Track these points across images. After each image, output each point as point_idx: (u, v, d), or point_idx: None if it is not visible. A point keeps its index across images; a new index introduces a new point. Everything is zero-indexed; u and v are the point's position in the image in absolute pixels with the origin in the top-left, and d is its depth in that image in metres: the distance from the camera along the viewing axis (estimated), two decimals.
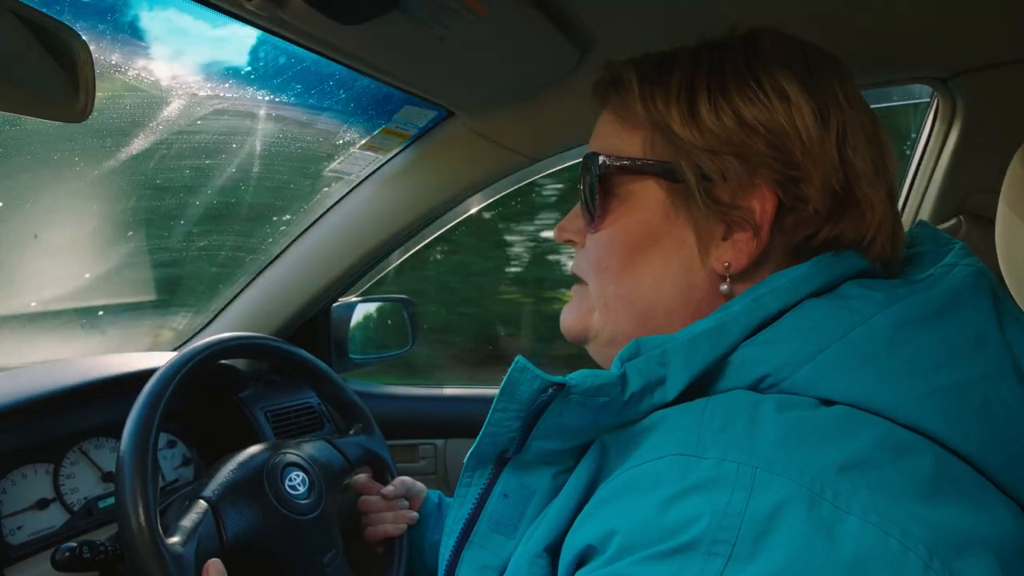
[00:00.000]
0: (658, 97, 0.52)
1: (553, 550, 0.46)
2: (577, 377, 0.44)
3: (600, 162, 0.55)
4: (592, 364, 0.60)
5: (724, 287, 0.51)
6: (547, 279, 3.30)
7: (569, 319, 0.61)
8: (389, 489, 1.01)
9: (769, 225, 0.49)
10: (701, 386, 0.46)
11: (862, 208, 0.49)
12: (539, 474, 0.50)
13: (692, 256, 0.52)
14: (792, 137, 0.48)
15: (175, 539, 0.71)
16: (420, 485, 1.05)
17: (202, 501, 0.79)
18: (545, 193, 3.11)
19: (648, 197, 0.53)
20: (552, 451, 0.49)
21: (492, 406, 0.46)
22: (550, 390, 0.44)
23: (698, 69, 0.52)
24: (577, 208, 0.60)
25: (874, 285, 0.47)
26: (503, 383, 0.45)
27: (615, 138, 0.56)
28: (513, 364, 0.45)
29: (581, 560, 0.41)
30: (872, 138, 0.51)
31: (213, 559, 0.73)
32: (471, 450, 0.50)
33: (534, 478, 0.50)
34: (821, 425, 0.40)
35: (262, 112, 1.11)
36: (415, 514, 1.01)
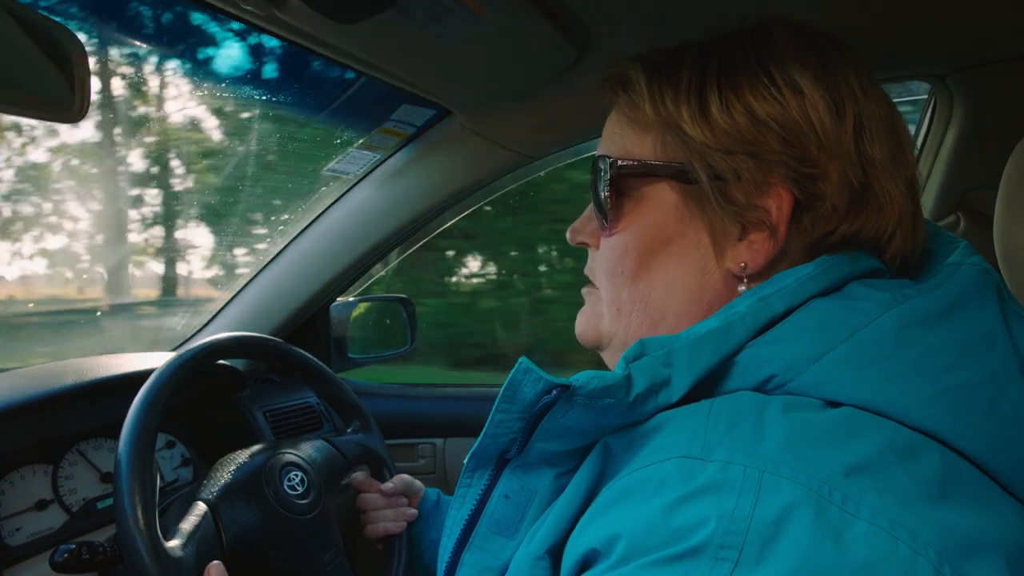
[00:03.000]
0: (667, 96, 0.51)
1: (555, 552, 0.45)
2: (582, 379, 0.44)
3: (611, 165, 0.54)
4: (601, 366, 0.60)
5: (742, 288, 0.50)
6: None
7: (582, 325, 0.60)
8: (388, 486, 1.01)
9: (786, 224, 0.48)
10: (706, 387, 0.46)
11: (881, 202, 0.49)
12: (541, 475, 0.50)
13: (707, 258, 0.51)
14: (807, 132, 0.47)
15: (174, 542, 0.71)
16: (419, 483, 1.05)
17: (201, 503, 0.79)
18: None
19: (661, 199, 0.53)
20: (554, 452, 0.49)
21: (494, 407, 0.46)
22: (554, 392, 0.44)
23: (708, 66, 0.51)
24: (590, 210, 0.59)
25: (880, 285, 0.46)
26: (505, 384, 0.45)
27: (625, 140, 0.55)
28: (516, 365, 0.44)
29: (585, 564, 0.41)
30: (890, 128, 0.50)
31: (215, 562, 0.73)
32: (471, 450, 0.50)
33: (536, 479, 0.50)
34: (828, 427, 0.39)
35: (259, 111, 1.11)
36: (415, 511, 1.01)
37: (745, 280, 0.50)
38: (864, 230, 0.49)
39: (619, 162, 0.54)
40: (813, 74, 0.48)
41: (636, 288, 0.54)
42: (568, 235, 0.62)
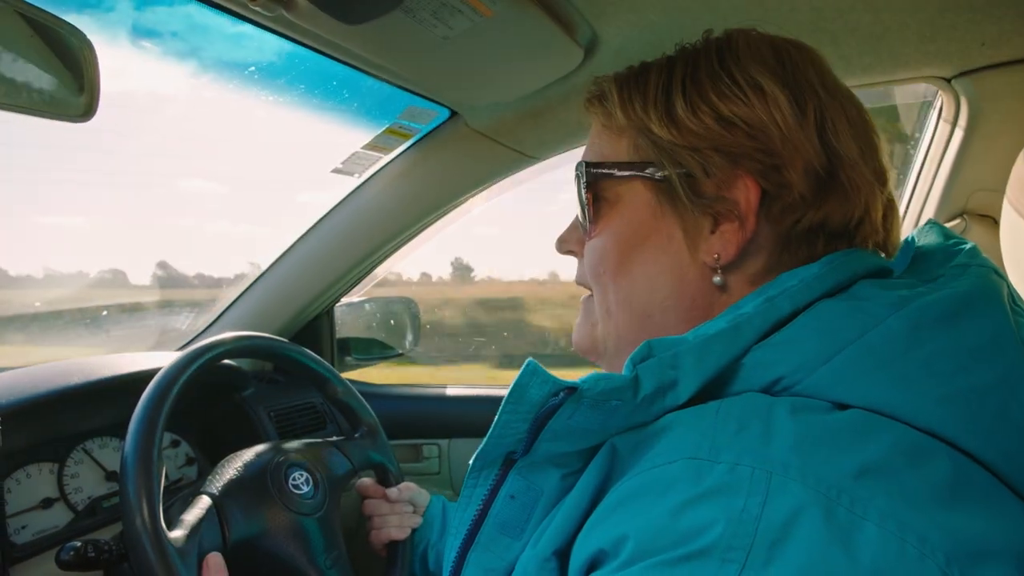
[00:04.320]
0: (636, 102, 0.54)
1: (562, 554, 0.45)
2: (589, 381, 0.44)
3: (587, 169, 0.56)
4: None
5: (716, 279, 0.52)
6: None
7: (577, 335, 0.62)
8: (393, 492, 1.01)
9: (754, 214, 0.50)
10: (713, 389, 0.46)
11: (847, 190, 0.50)
12: (547, 475, 0.50)
13: (681, 251, 0.53)
14: (770, 127, 0.49)
15: (177, 533, 0.71)
16: (425, 492, 1.05)
17: (205, 497, 0.79)
18: None
19: (635, 198, 0.55)
20: (560, 453, 0.49)
21: (500, 408, 0.46)
22: (561, 394, 0.44)
23: (673, 72, 0.54)
24: (575, 219, 0.61)
25: (887, 285, 0.47)
26: (512, 386, 0.45)
27: (602, 146, 0.58)
28: (523, 367, 0.45)
29: (592, 565, 0.41)
30: (856, 121, 0.52)
31: (213, 552, 0.73)
32: (477, 451, 0.50)
33: (542, 479, 0.50)
34: (836, 429, 0.39)
35: (265, 110, 1.12)
36: (419, 518, 1.01)
37: (719, 271, 0.52)
38: (831, 217, 0.50)
39: (594, 166, 0.56)
40: (773, 73, 0.50)
41: (619, 287, 0.56)
42: (556, 245, 0.64)
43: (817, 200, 0.50)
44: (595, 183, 0.57)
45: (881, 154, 0.53)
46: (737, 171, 0.50)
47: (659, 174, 0.53)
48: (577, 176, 0.58)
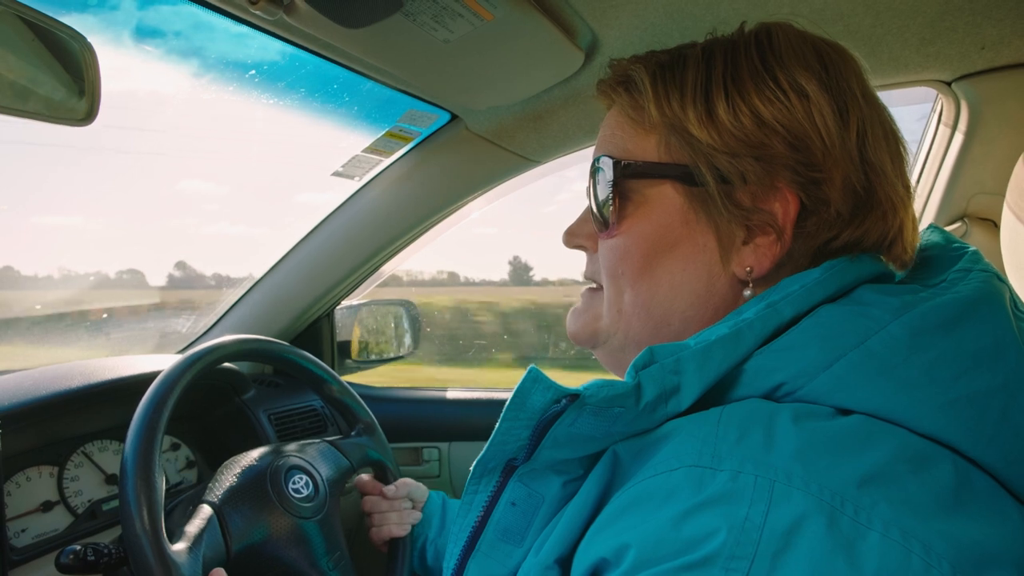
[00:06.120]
0: (673, 98, 0.51)
1: (564, 562, 0.45)
2: (592, 388, 0.44)
3: (614, 165, 0.53)
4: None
5: (747, 292, 0.50)
6: None
7: (577, 324, 0.59)
8: (391, 489, 1.01)
9: (792, 228, 0.48)
10: (715, 394, 0.45)
11: (884, 208, 0.49)
12: (548, 482, 0.49)
13: (713, 261, 0.51)
14: (812, 136, 0.47)
15: (180, 546, 0.71)
16: (423, 487, 1.05)
17: (206, 506, 0.79)
18: None
19: (665, 201, 0.52)
20: (561, 460, 0.48)
21: (501, 415, 0.46)
22: (563, 401, 0.44)
23: (712, 68, 0.50)
24: (586, 212, 0.58)
25: (889, 290, 0.46)
26: (514, 393, 0.45)
27: (627, 141, 0.54)
28: (525, 374, 0.44)
29: (594, 573, 0.41)
30: (889, 134, 0.50)
31: (217, 568, 0.73)
32: (478, 458, 0.49)
33: (543, 486, 0.50)
34: (839, 436, 0.39)
35: (265, 113, 1.12)
36: (419, 514, 1.01)
37: (751, 284, 0.50)
38: (868, 235, 0.49)
39: (623, 163, 0.53)
40: (818, 78, 0.48)
41: (638, 290, 0.53)
42: (564, 238, 0.61)
43: (855, 218, 0.48)
44: (621, 180, 0.53)
45: (907, 168, 0.52)
46: (776, 182, 0.48)
47: (695, 179, 0.50)
48: (597, 169, 0.54)
